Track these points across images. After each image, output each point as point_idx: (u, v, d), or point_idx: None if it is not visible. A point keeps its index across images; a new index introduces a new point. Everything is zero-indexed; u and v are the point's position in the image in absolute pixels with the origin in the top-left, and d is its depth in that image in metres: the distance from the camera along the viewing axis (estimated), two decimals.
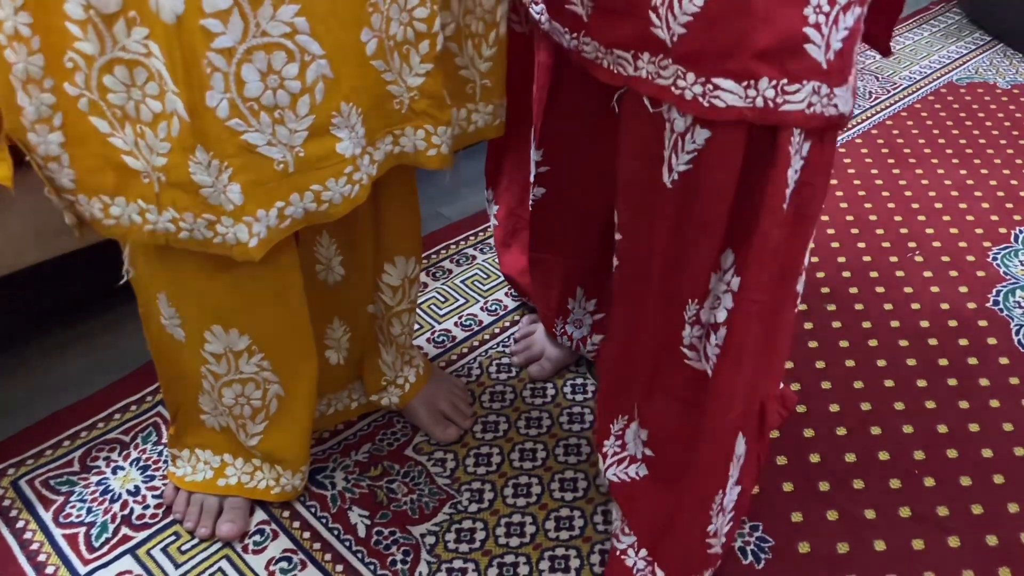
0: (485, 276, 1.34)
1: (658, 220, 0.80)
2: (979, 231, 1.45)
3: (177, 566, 0.94)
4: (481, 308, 1.29)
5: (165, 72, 0.66)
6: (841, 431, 1.10)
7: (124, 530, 0.97)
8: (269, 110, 0.69)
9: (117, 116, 0.69)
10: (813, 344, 1.23)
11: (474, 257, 1.38)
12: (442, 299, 1.30)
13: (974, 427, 1.11)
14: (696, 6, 0.70)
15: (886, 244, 1.41)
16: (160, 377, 0.95)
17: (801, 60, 0.71)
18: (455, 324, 1.26)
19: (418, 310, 1.27)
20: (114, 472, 1.04)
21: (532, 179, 1.02)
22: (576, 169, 0.99)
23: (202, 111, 0.67)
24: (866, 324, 1.26)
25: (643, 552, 0.91)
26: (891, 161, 1.61)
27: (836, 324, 1.26)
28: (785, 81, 0.71)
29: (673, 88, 0.74)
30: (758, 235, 0.75)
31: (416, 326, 1.24)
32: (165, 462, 1.04)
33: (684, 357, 0.84)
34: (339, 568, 0.94)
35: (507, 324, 1.26)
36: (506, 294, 1.30)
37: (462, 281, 1.34)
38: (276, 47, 0.67)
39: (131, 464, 1.04)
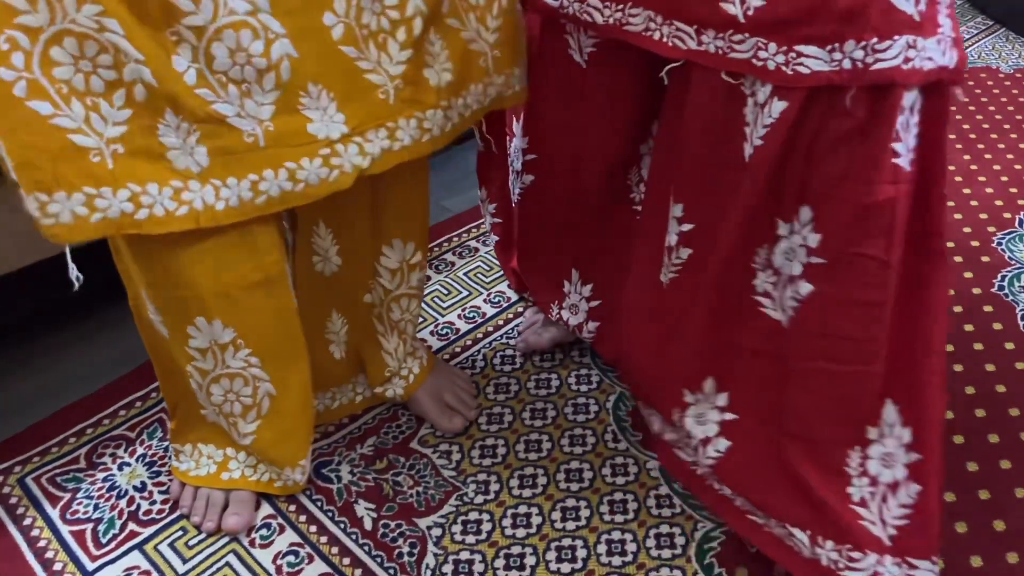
0: (488, 268, 1.34)
1: (737, 197, 0.78)
2: (984, 216, 1.44)
3: (185, 561, 0.94)
4: (484, 300, 1.28)
5: (125, 43, 0.68)
6: None
7: (131, 526, 0.97)
8: (237, 83, 0.72)
9: (62, 92, 0.69)
10: None
11: (477, 249, 1.38)
12: (445, 292, 1.30)
13: (980, 413, 1.11)
14: None
15: None
16: (157, 371, 0.95)
17: (887, 14, 0.68)
18: (458, 316, 1.26)
19: (422, 304, 1.27)
20: (120, 468, 1.04)
21: (520, 168, 1.02)
22: (564, 152, 0.99)
23: (172, 78, 0.70)
24: None
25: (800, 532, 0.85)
26: None
27: None
28: (875, 40, 0.68)
29: (755, 60, 0.72)
30: (838, 192, 0.73)
31: (420, 319, 1.23)
32: (170, 457, 1.04)
33: (759, 306, 0.82)
34: (346, 561, 0.94)
35: (510, 316, 1.26)
36: (509, 286, 1.30)
37: (465, 273, 1.33)
38: (243, 25, 0.70)
39: (137, 460, 1.05)
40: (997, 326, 1.23)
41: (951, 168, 1.56)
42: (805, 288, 0.79)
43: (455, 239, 1.41)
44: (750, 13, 0.71)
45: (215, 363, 0.87)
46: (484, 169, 1.21)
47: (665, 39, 0.77)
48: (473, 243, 1.39)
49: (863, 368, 0.79)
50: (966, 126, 1.67)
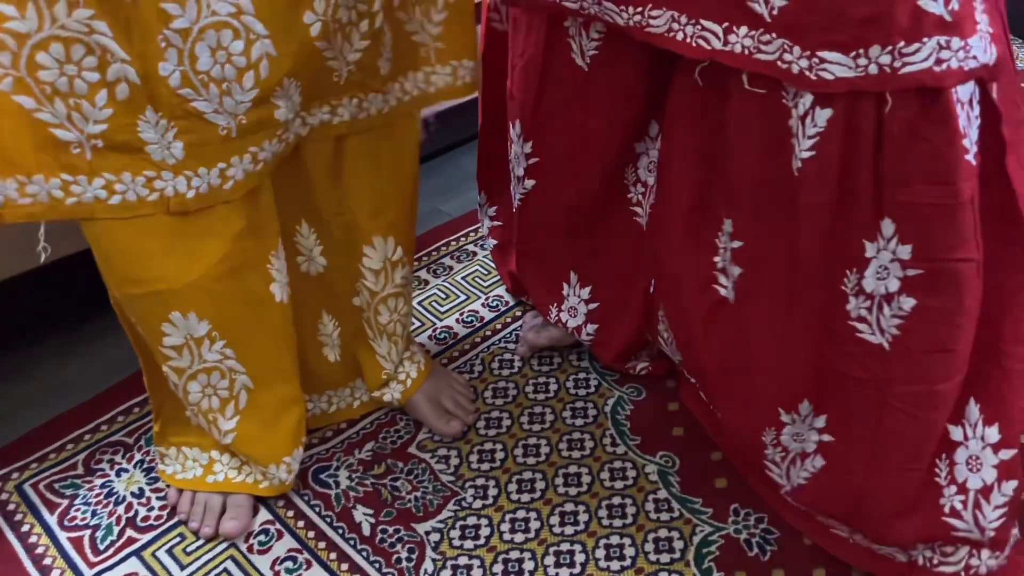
0: (486, 272, 1.34)
1: (794, 213, 0.76)
2: None
3: (183, 567, 0.94)
4: (482, 304, 1.28)
5: (113, 45, 0.70)
6: None
7: (129, 532, 0.97)
8: (218, 82, 0.75)
9: (46, 93, 0.72)
10: None
11: (474, 253, 1.38)
12: (443, 296, 1.30)
13: None
14: None
15: None
16: (144, 372, 0.96)
17: (914, 16, 0.66)
18: (456, 321, 1.26)
19: (420, 307, 1.27)
20: (118, 474, 1.04)
21: (520, 174, 1.02)
22: (566, 155, 0.99)
23: (155, 78, 0.73)
24: None
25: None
26: None
27: None
28: (902, 44, 0.67)
29: (780, 63, 0.71)
30: (920, 199, 0.71)
31: (417, 323, 1.23)
32: (156, 460, 1.03)
33: (856, 331, 0.78)
34: (344, 567, 0.94)
35: (508, 320, 1.26)
36: (507, 290, 1.30)
37: (463, 278, 1.33)
38: (224, 25, 0.72)
39: (135, 466, 1.04)
40: None
41: None
42: (908, 303, 0.75)
43: (452, 243, 1.41)
44: (775, 13, 0.70)
45: (191, 358, 0.88)
46: (484, 173, 1.21)
47: (689, 39, 0.76)
48: (471, 247, 1.40)
49: (959, 378, 0.77)
50: None
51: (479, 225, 1.43)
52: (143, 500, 1.01)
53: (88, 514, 0.99)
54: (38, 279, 1.12)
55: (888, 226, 0.74)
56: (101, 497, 1.01)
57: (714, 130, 0.83)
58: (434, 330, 1.24)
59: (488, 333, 1.24)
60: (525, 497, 1.01)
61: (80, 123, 0.74)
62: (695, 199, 0.89)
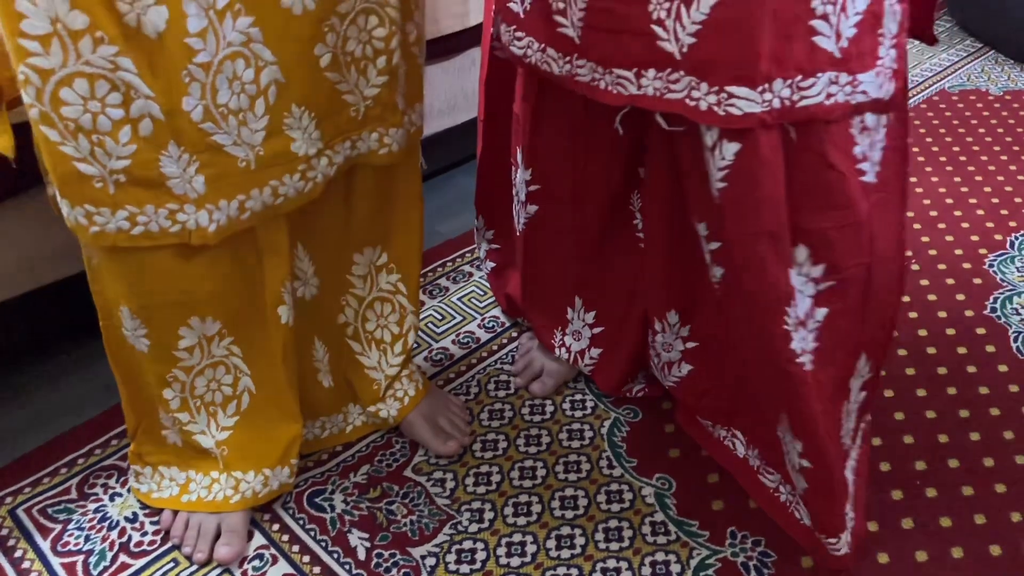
0: (482, 293, 1.34)
1: (724, 228, 0.80)
2: (975, 238, 1.45)
3: None
4: (478, 325, 1.28)
5: (138, 81, 0.71)
6: None
7: (123, 558, 0.96)
8: (235, 113, 0.76)
9: (70, 128, 0.72)
10: None
11: (471, 274, 1.38)
12: (439, 317, 1.30)
13: (975, 436, 1.11)
14: (703, 13, 0.69)
15: None
16: (122, 392, 0.96)
17: (811, 53, 0.70)
18: (452, 342, 1.25)
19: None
20: (112, 499, 1.03)
21: (523, 199, 1.02)
22: (567, 183, 0.99)
23: (179, 113, 0.73)
24: None
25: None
26: None
27: None
28: (800, 78, 0.70)
29: (688, 100, 0.73)
30: (827, 223, 0.77)
31: (414, 344, 1.23)
32: (130, 478, 1.03)
33: (800, 367, 0.82)
34: None
35: (505, 341, 1.25)
36: (503, 311, 1.30)
37: (459, 299, 1.33)
38: (238, 55, 0.73)
39: (129, 491, 1.04)
40: (990, 348, 1.24)
41: (941, 191, 1.57)
42: (821, 313, 0.82)
43: (448, 264, 1.41)
44: (685, 51, 0.72)
45: (201, 355, 0.90)
46: (483, 197, 1.21)
47: (609, 87, 0.78)
48: (467, 268, 1.40)
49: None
50: (956, 148, 1.68)
51: (475, 246, 1.43)
52: (136, 525, 1.00)
53: (81, 539, 0.98)
54: (32, 302, 1.12)
55: (802, 251, 0.79)
56: (95, 522, 1.00)
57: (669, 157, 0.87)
58: (430, 351, 1.24)
59: (484, 354, 1.23)
60: (521, 520, 1.00)
61: (103, 159, 0.74)
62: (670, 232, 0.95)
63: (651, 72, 0.74)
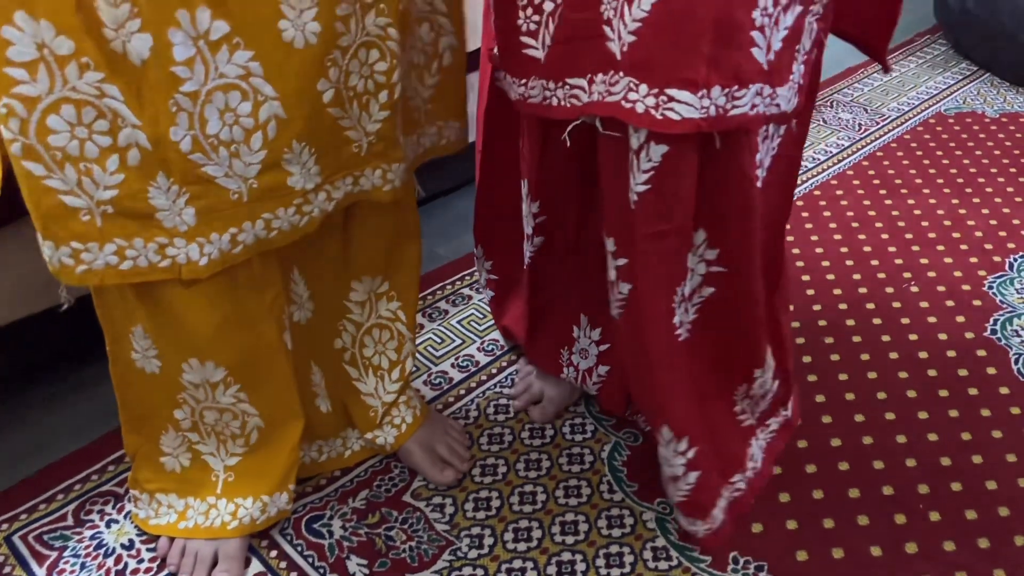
0: (481, 316, 1.34)
1: (634, 239, 0.82)
2: (974, 260, 1.45)
3: None
4: (478, 348, 1.28)
5: (124, 109, 0.70)
6: (843, 466, 1.09)
7: None
8: (227, 144, 0.74)
9: (56, 159, 0.71)
10: (812, 378, 1.22)
11: (470, 297, 1.38)
12: (438, 340, 1.29)
13: (977, 459, 1.10)
14: (644, 11, 0.68)
15: (881, 275, 1.41)
16: (123, 417, 0.96)
17: (748, 63, 0.70)
18: (452, 365, 1.25)
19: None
20: (108, 525, 1.02)
21: (530, 230, 1.02)
22: (574, 212, 0.99)
23: (166, 143, 0.72)
24: (864, 356, 1.26)
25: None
26: (883, 192, 1.62)
27: (834, 357, 1.26)
28: (736, 87, 0.71)
29: (624, 102, 0.71)
30: (731, 220, 0.82)
31: (413, 369, 1.23)
32: (128, 502, 1.02)
33: (677, 337, 0.88)
34: None
35: (504, 364, 1.25)
36: (502, 335, 1.30)
37: (458, 322, 1.33)
38: (232, 87, 0.72)
39: (125, 517, 1.03)
40: (991, 370, 1.23)
41: (939, 212, 1.57)
42: (708, 291, 0.89)
43: (448, 287, 1.41)
44: (625, 50, 0.70)
45: (206, 396, 0.90)
46: (481, 227, 1.20)
47: (562, 102, 0.77)
48: (466, 291, 1.39)
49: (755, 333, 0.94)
50: (953, 170, 1.69)
51: (474, 269, 1.43)
52: (133, 552, 0.99)
53: (77, 567, 0.97)
54: (29, 328, 1.11)
55: (700, 235, 0.84)
56: (91, 549, 0.99)
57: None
58: (429, 374, 1.24)
59: (483, 378, 1.23)
60: (521, 546, 0.99)
61: (90, 188, 0.73)
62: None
63: (599, 76, 0.73)
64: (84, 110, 0.70)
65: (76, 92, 0.69)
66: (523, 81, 0.80)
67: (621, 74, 0.71)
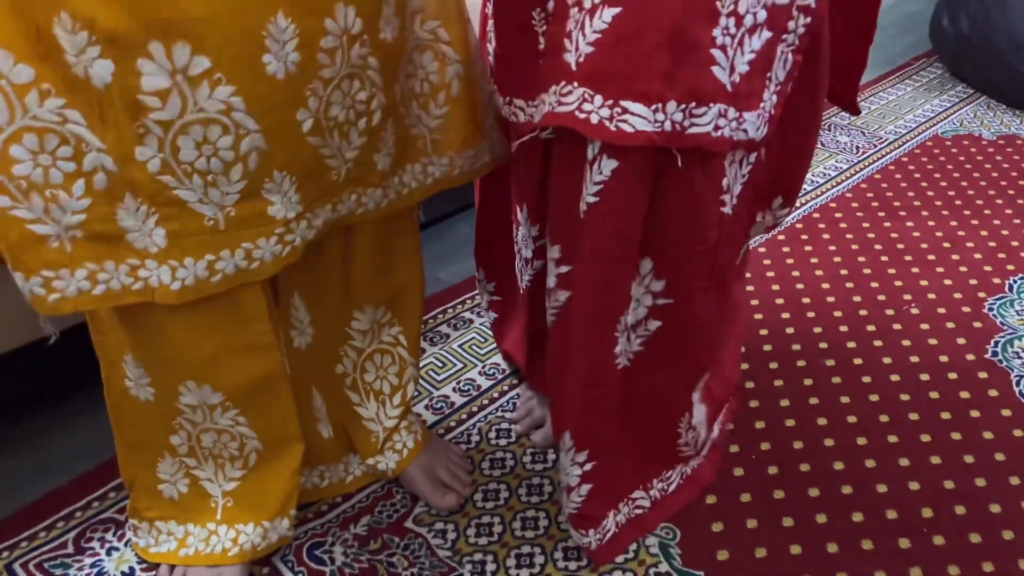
0: (483, 340, 1.34)
1: (581, 254, 0.81)
2: (973, 282, 1.45)
3: None
4: (479, 372, 1.28)
5: (87, 133, 0.69)
6: (847, 490, 1.09)
7: None
8: (202, 174, 0.73)
9: (21, 188, 0.71)
10: (814, 400, 1.22)
11: (471, 321, 1.38)
12: (440, 364, 1.29)
13: (980, 482, 1.10)
14: (604, 22, 0.68)
15: (881, 297, 1.42)
16: (118, 445, 0.95)
17: (707, 81, 0.70)
18: (453, 389, 1.25)
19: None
20: (108, 553, 1.01)
21: (528, 256, 1.02)
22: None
23: (132, 162, 0.71)
24: (866, 379, 1.26)
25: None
26: (881, 214, 1.63)
27: (836, 380, 1.26)
28: (694, 104, 0.70)
29: (577, 112, 0.71)
30: (677, 244, 0.81)
31: (415, 394, 1.23)
32: (128, 531, 1.02)
33: (615, 367, 0.89)
34: None
35: (506, 388, 1.25)
36: (504, 358, 1.30)
37: (460, 346, 1.33)
38: (213, 122, 0.71)
39: (126, 544, 1.02)
40: (993, 393, 1.23)
41: (938, 235, 1.58)
42: (654, 325, 0.88)
43: (449, 311, 1.41)
44: (581, 60, 0.71)
45: (204, 418, 0.89)
46: (482, 250, 1.21)
47: (531, 118, 0.78)
48: (468, 314, 1.40)
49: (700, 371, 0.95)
50: (951, 193, 1.69)
51: (476, 292, 1.44)
52: None
53: None
54: (29, 355, 1.11)
55: (646, 264, 0.83)
56: None
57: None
58: (431, 399, 1.24)
59: (485, 402, 1.23)
60: (524, 573, 0.99)
61: (57, 214, 0.72)
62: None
63: (552, 87, 0.73)
64: (46, 137, 0.69)
65: (37, 120, 0.68)
66: (507, 99, 0.81)
67: (575, 84, 0.71)
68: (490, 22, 0.87)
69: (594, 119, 0.71)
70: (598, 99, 0.70)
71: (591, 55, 0.70)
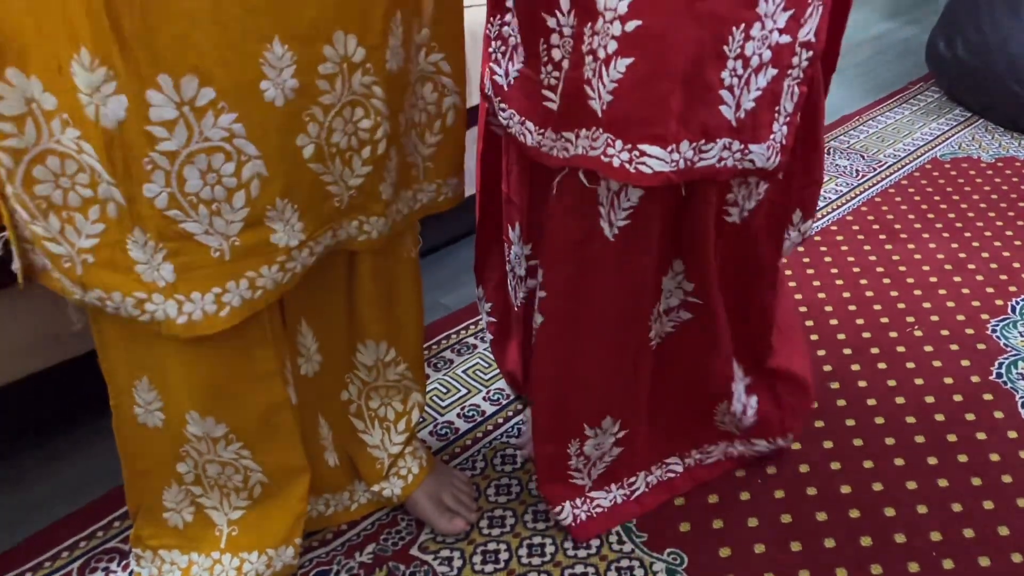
0: (487, 365, 1.34)
1: (600, 270, 0.88)
2: (976, 304, 1.45)
3: None
4: (483, 398, 1.28)
5: (99, 166, 0.71)
6: (855, 513, 1.08)
7: None
8: (207, 203, 0.74)
9: (41, 208, 0.73)
10: (819, 424, 1.22)
11: (475, 346, 1.38)
12: (444, 390, 1.29)
13: (988, 505, 1.09)
14: (619, 72, 0.73)
15: (884, 320, 1.42)
16: (125, 472, 0.95)
17: (715, 119, 0.75)
18: (457, 415, 1.25)
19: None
20: None
21: (521, 274, 1.03)
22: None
23: (139, 200, 0.72)
24: (871, 401, 1.25)
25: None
26: (883, 237, 1.63)
27: (841, 402, 1.25)
28: (703, 141, 0.76)
29: (602, 157, 0.77)
30: (704, 253, 0.89)
31: (420, 419, 1.23)
32: (132, 561, 1.01)
33: (649, 349, 0.97)
34: None
35: (510, 414, 1.25)
36: (508, 383, 1.29)
37: (463, 371, 1.33)
38: (216, 150, 0.72)
39: (129, 574, 1.02)
40: (998, 414, 1.23)
41: (939, 257, 1.58)
42: (685, 315, 0.96)
43: (453, 336, 1.41)
44: (605, 108, 0.75)
45: (208, 449, 0.89)
46: (481, 267, 1.22)
47: (554, 152, 0.83)
48: (471, 340, 1.40)
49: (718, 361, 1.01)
50: (952, 215, 1.70)
51: (479, 318, 1.44)
52: None
53: None
54: (33, 385, 1.11)
55: (678, 264, 0.92)
56: None
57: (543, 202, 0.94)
58: (435, 425, 1.23)
59: (490, 427, 1.23)
60: None
61: (72, 236, 0.75)
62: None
63: (583, 131, 0.79)
64: (67, 162, 0.72)
65: (60, 145, 0.71)
66: (542, 131, 0.83)
67: (601, 130, 0.77)
68: (492, 44, 0.89)
69: (616, 162, 0.76)
70: (619, 143, 0.76)
71: (612, 103, 0.75)
